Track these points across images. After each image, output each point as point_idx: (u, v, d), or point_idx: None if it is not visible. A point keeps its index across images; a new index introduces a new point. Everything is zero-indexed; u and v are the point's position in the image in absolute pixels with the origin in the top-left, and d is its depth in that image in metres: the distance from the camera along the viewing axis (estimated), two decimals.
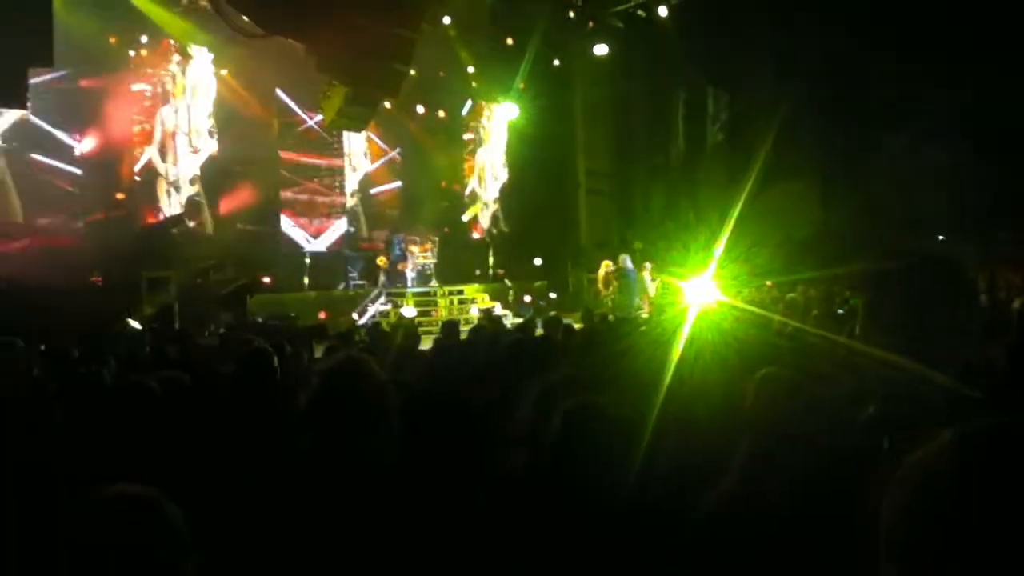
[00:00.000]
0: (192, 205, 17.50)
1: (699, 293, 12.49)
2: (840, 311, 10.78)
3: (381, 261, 18.20)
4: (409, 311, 16.40)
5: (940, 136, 15.19)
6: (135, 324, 11.54)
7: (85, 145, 15.73)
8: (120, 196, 16.21)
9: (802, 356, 4.62)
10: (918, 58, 14.82)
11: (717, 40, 19.03)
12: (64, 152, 15.40)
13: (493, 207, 23.42)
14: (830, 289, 13.13)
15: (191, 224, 17.09)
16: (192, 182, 17.55)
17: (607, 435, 1.52)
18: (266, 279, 15.71)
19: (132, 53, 16.39)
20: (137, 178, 16.71)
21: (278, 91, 18.60)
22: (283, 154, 19.24)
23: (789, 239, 16.61)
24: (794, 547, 1.70)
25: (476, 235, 22.83)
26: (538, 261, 20.66)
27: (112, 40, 15.78)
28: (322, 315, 15.66)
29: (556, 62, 21.09)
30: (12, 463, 3.24)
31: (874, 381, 1.53)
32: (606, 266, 17.77)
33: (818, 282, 14.00)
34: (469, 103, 22.43)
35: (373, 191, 21.21)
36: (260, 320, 13.26)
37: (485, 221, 23.25)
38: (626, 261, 16.62)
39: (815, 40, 16.42)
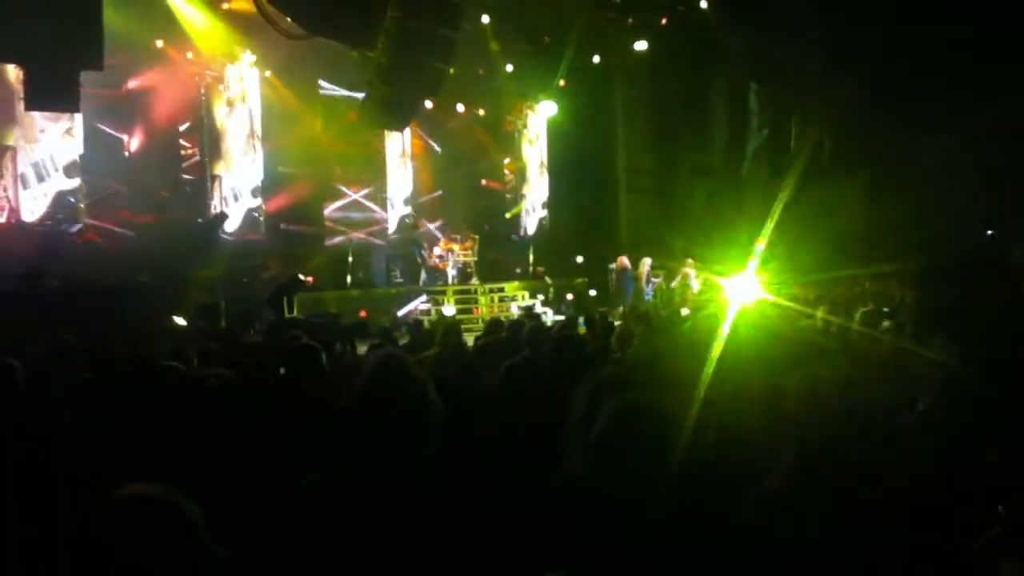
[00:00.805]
0: (251, 207, 17.82)
1: (741, 290, 12.38)
2: (885, 309, 10.61)
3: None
4: (449, 309, 16.47)
5: (993, 137, 14.85)
6: (180, 321, 11.75)
7: (133, 146, 16.03)
8: (164, 194, 16.48)
9: (847, 354, 4.56)
10: (970, 58, 14.50)
11: (760, 35, 18.79)
12: (113, 153, 15.71)
13: (534, 205, 23.43)
14: (877, 287, 12.93)
15: (228, 227, 17.34)
16: (252, 186, 17.90)
17: (653, 433, 1.52)
18: (308, 278, 15.84)
19: (178, 56, 16.65)
20: (186, 178, 17.01)
21: (321, 82, 18.73)
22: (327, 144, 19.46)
23: (834, 236, 16.36)
24: (839, 550, 1.68)
25: (516, 236, 22.87)
26: (580, 259, 20.60)
27: (159, 44, 16.05)
28: (362, 313, 15.78)
29: (596, 58, 21.01)
30: (58, 461, 3.31)
31: (924, 381, 1.50)
32: (642, 264, 18.21)
33: (864, 279, 13.80)
34: (508, 101, 22.42)
35: (421, 199, 21.41)
36: (303, 318, 13.42)
37: (529, 223, 23.29)
38: (625, 263, 18.34)
39: (863, 37, 16.13)
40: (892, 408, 2.04)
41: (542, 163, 23.43)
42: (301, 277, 15.53)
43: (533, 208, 23.37)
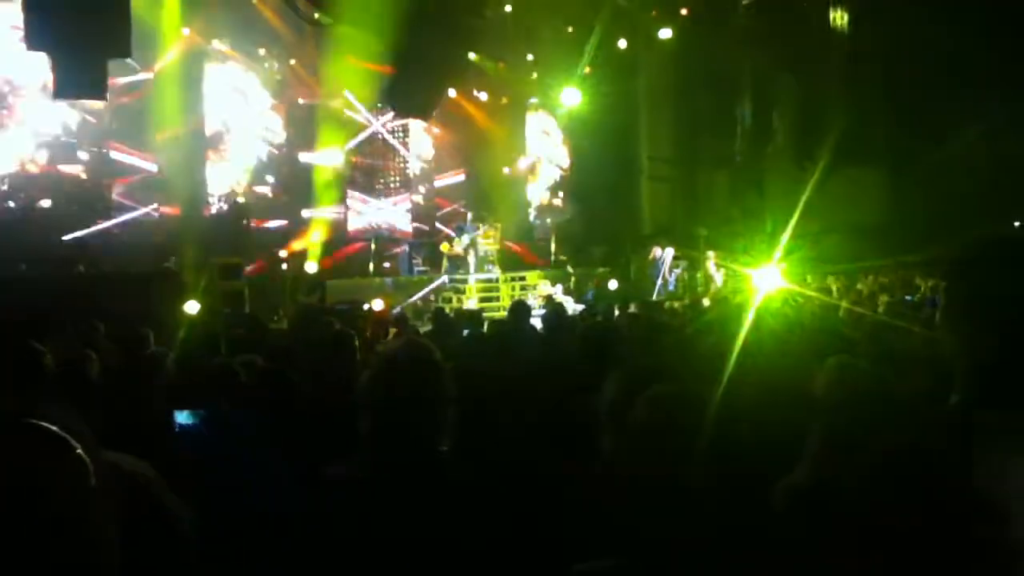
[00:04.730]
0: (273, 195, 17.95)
1: (763, 281, 12.32)
2: (908, 297, 10.56)
3: (445, 247, 18.23)
4: (471, 304, 16.15)
5: (1014, 128, 14.77)
6: (192, 307, 11.77)
7: (160, 135, 16.15)
8: (200, 180, 16.62)
9: (873, 345, 4.54)
10: (994, 47, 14.39)
11: (786, 24, 18.65)
12: (139, 142, 15.85)
13: (554, 194, 23.44)
14: (903, 277, 12.84)
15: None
16: (277, 175, 18.02)
17: (691, 421, 1.52)
18: (309, 268, 15.89)
19: (205, 44, 16.73)
20: (213, 166, 17.14)
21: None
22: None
23: (856, 226, 16.24)
24: (865, 539, 1.68)
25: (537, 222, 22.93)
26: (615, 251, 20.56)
27: (186, 32, 16.14)
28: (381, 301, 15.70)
29: (621, 43, 20.84)
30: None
31: (952, 373, 1.49)
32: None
33: (888, 269, 13.71)
34: (530, 90, 22.36)
35: (438, 183, 21.43)
36: (327, 305, 13.50)
37: (547, 210, 23.32)
38: (657, 252, 18.17)
39: (889, 26, 16.00)
40: (922, 398, 2.04)
41: (563, 151, 23.42)
42: (308, 270, 15.66)
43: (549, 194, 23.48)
